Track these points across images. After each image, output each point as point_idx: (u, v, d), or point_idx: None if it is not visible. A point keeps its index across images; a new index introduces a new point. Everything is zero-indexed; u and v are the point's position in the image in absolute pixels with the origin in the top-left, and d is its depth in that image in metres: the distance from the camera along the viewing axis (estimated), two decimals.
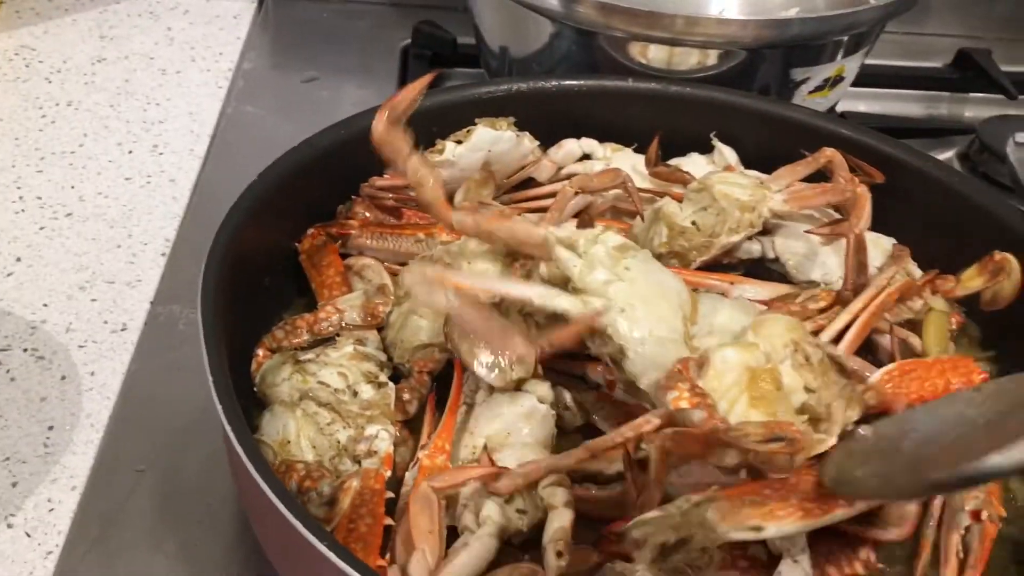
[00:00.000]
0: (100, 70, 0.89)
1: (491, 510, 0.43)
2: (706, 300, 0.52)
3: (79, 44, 0.91)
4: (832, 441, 0.44)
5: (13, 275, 0.68)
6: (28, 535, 0.52)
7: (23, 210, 0.73)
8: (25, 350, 0.62)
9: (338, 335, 0.55)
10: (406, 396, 0.51)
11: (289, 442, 0.48)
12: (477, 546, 0.41)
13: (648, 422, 0.44)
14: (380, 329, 0.56)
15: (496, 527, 0.43)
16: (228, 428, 0.41)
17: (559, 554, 0.42)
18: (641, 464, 0.44)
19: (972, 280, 0.57)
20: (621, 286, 0.47)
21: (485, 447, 0.47)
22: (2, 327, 0.64)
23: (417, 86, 0.53)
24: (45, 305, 0.66)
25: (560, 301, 0.47)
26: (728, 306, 0.52)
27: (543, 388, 0.50)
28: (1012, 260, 0.57)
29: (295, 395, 0.50)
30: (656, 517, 0.41)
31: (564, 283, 0.48)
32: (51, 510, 0.53)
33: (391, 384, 0.52)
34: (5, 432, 0.57)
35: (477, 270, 0.52)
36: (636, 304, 0.47)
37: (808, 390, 0.46)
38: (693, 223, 0.59)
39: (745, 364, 0.45)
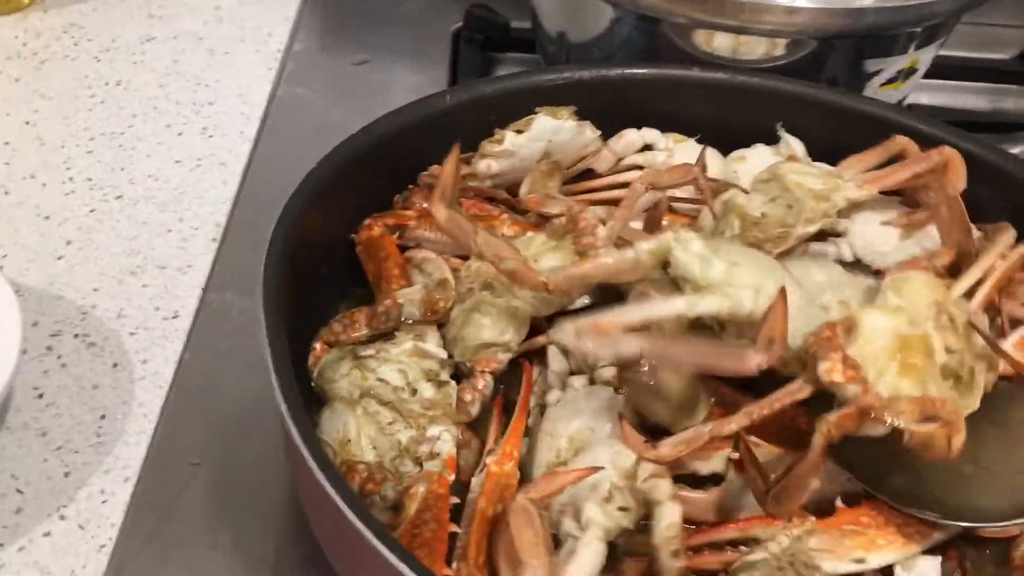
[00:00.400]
0: (149, 49, 0.88)
1: (593, 512, 0.41)
2: (791, 264, 0.51)
3: (128, 23, 0.90)
4: (971, 403, 0.44)
5: (64, 258, 0.67)
6: (81, 527, 0.51)
7: (73, 191, 0.72)
8: (76, 336, 0.62)
9: (397, 330, 0.54)
10: (468, 397, 0.50)
11: (349, 441, 0.47)
12: (587, 553, 0.40)
13: (801, 388, 0.42)
14: (440, 325, 0.54)
15: (602, 530, 0.41)
16: (294, 431, 0.40)
17: (675, 553, 0.40)
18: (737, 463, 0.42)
19: None
20: (739, 269, 0.46)
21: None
22: (53, 312, 0.63)
23: (452, 165, 0.53)
24: (95, 290, 0.65)
25: (706, 304, 0.45)
26: (811, 263, 0.52)
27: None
28: None
29: (355, 392, 0.49)
30: (761, 560, 0.39)
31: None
32: (104, 502, 0.53)
33: (453, 383, 0.51)
34: (58, 420, 0.56)
35: (546, 266, 0.50)
36: (761, 281, 0.45)
37: (949, 351, 0.44)
38: (763, 214, 0.57)
39: (896, 331, 0.44)
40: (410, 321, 0.54)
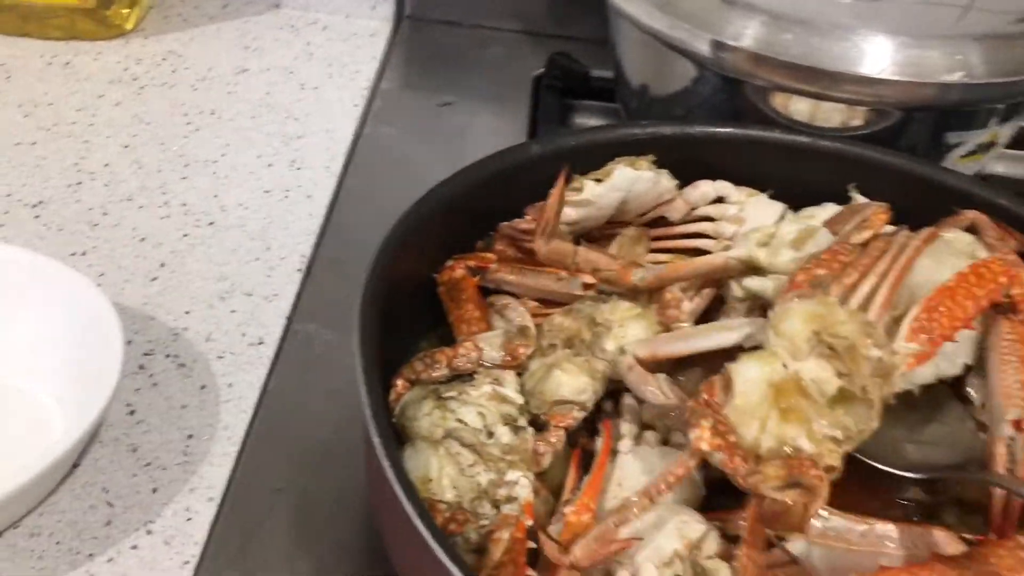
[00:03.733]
0: (242, 80, 0.91)
1: (649, 572, 0.43)
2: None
3: (223, 53, 0.94)
4: (874, 424, 0.44)
5: (158, 279, 0.70)
6: (167, 543, 0.54)
7: (168, 216, 0.76)
8: (167, 356, 0.64)
9: (475, 373, 0.56)
10: (540, 449, 0.51)
11: (431, 480, 0.49)
12: None
13: (688, 460, 0.44)
14: (519, 373, 0.56)
15: None
16: (390, 471, 0.42)
17: None
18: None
19: None
20: None
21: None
22: (147, 332, 0.66)
23: (557, 197, 0.56)
24: (187, 312, 0.68)
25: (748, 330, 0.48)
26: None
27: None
28: None
29: (438, 432, 0.51)
30: None
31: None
32: (189, 519, 0.55)
33: (530, 428, 0.52)
34: (147, 437, 0.59)
35: (630, 335, 0.52)
36: None
37: (842, 375, 0.44)
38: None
39: (767, 379, 0.44)
40: (488, 365, 0.56)
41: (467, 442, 0.50)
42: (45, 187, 0.77)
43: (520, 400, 0.54)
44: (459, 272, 0.62)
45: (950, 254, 0.55)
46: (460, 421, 0.51)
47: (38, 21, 0.91)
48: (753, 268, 0.57)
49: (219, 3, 1.00)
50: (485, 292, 0.62)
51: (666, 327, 0.54)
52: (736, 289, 0.58)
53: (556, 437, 0.52)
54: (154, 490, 0.56)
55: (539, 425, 0.54)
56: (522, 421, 0.53)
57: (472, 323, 0.59)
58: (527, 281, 0.62)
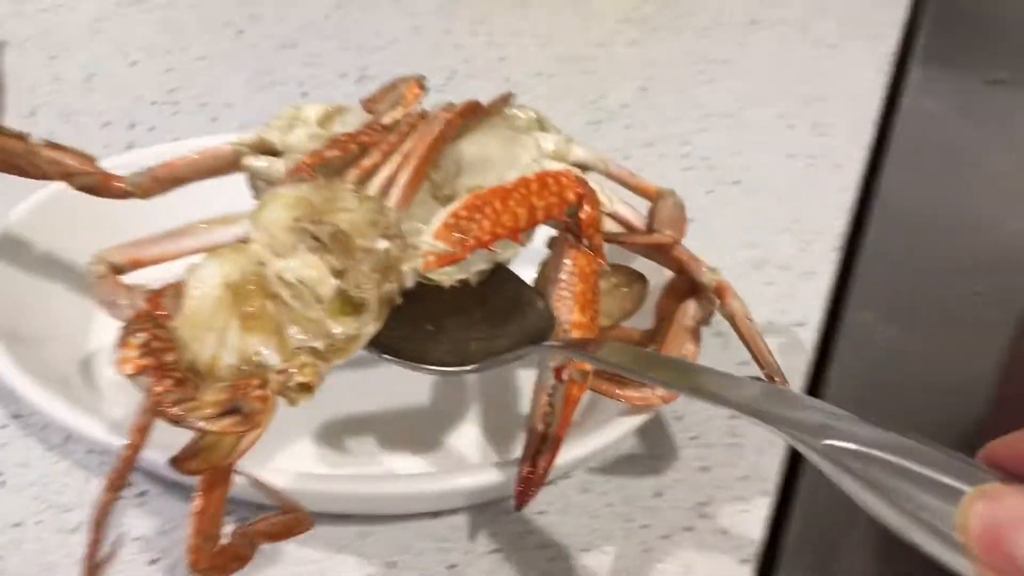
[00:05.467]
0: (752, 32, 0.85)
1: None
2: None
3: (734, 1, 0.88)
4: (370, 329, 0.36)
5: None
6: (723, 533, 0.49)
7: (691, 168, 0.71)
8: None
9: None
10: None
11: None
12: None
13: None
14: None
15: None
16: None
17: None
18: None
19: None
20: None
21: None
22: None
23: None
24: None
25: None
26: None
27: None
28: None
29: None
30: None
31: None
32: (744, 512, 0.49)
33: None
34: (692, 407, 0.54)
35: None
36: None
37: (337, 273, 0.36)
38: None
39: (224, 279, 0.35)
40: None
41: None
42: (568, 122, 0.74)
43: None
44: None
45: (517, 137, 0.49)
46: None
47: None
48: (267, 151, 0.48)
49: None
50: None
51: None
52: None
53: None
54: (703, 468, 0.51)
55: None
56: None
57: None
58: None
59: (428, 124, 0.44)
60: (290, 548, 0.46)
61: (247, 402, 0.33)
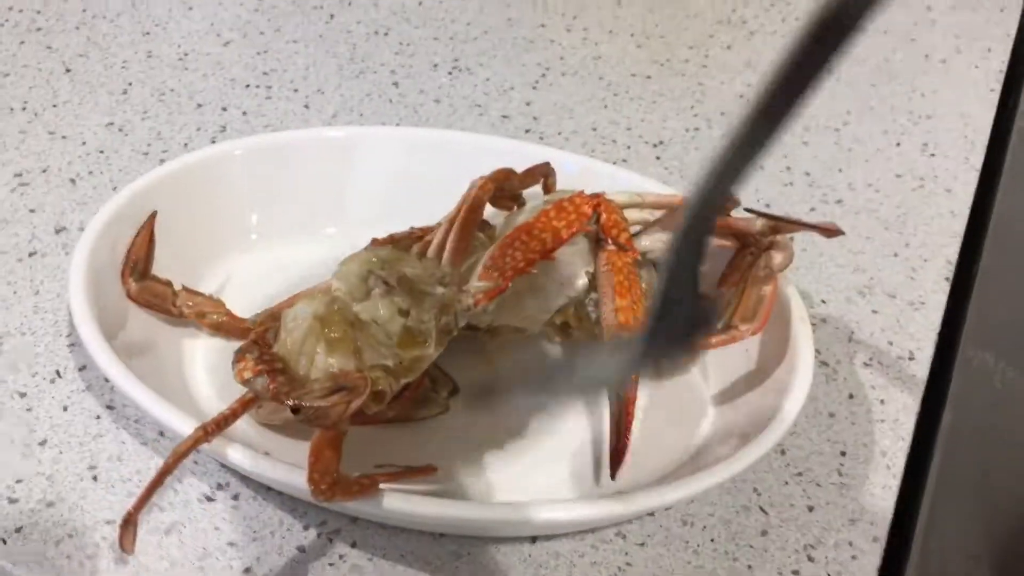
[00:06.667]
0: (858, 41, 0.81)
1: None
2: None
3: None
4: (431, 352, 0.44)
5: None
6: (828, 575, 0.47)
7: (791, 183, 0.68)
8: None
9: None
10: None
11: None
12: None
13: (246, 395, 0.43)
14: None
15: None
16: None
17: None
18: None
19: None
20: None
21: None
22: None
23: (145, 235, 0.56)
24: (823, 301, 0.60)
25: None
26: None
27: None
28: None
29: None
30: None
31: None
32: (854, 557, 0.47)
33: None
34: (796, 441, 0.52)
35: None
36: None
37: (403, 312, 0.44)
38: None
39: (313, 314, 0.43)
40: None
41: None
42: (664, 128, 0.72)
43: None
44: None
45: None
46: None
47: None
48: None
49: None
50: None
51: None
52: None
53: None
54: (810, 508, 0.49)
55: None
56: None
57: None
58: None
59: (466, 192, 0.50)
60: (385, 566, 0.45)
61: (349, 380, 0.41)
